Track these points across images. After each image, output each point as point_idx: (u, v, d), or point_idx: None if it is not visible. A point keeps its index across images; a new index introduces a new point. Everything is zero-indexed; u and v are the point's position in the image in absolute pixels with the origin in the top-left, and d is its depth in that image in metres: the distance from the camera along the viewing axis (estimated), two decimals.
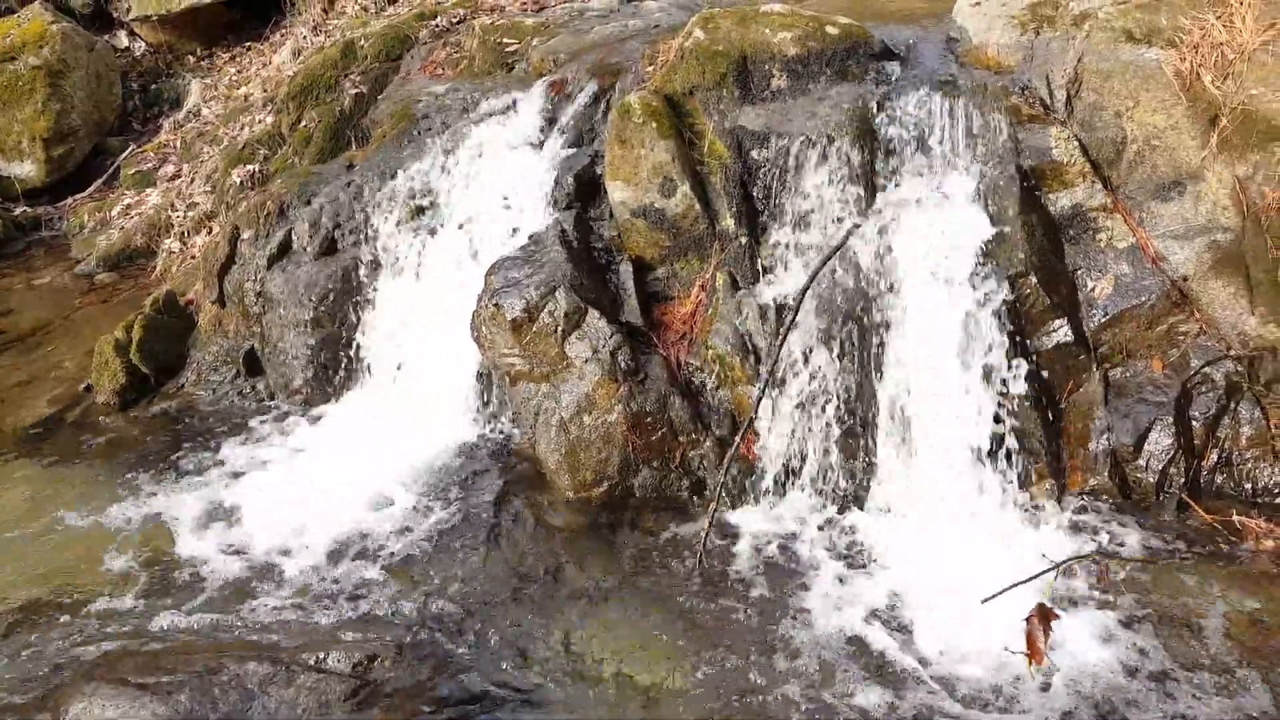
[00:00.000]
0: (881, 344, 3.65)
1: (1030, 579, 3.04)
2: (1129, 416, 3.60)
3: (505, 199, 4.28)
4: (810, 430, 3.66)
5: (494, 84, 4.88)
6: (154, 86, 7.80)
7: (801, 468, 3.69)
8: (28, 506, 3.94)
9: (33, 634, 3.26)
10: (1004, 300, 3.60)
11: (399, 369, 4.38)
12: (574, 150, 4.28)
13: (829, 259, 3.69)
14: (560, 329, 3.80)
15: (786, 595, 3.30)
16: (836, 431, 3.65)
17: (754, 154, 3.89)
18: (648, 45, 4.45)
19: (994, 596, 2.98)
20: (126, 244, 6.07)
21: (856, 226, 3.73)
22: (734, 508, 3.68)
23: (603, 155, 4.08)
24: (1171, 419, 3.56)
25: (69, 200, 6.86)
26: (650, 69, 4.25)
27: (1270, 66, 3.63)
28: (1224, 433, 3.59)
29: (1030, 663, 2.85)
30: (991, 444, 3.55)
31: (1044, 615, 2.87)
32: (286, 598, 3.38)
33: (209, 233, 5.60)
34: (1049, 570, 3.07)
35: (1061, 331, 3.67)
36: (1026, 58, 3.97)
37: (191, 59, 7.94)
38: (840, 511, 3.64)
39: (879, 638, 3.11)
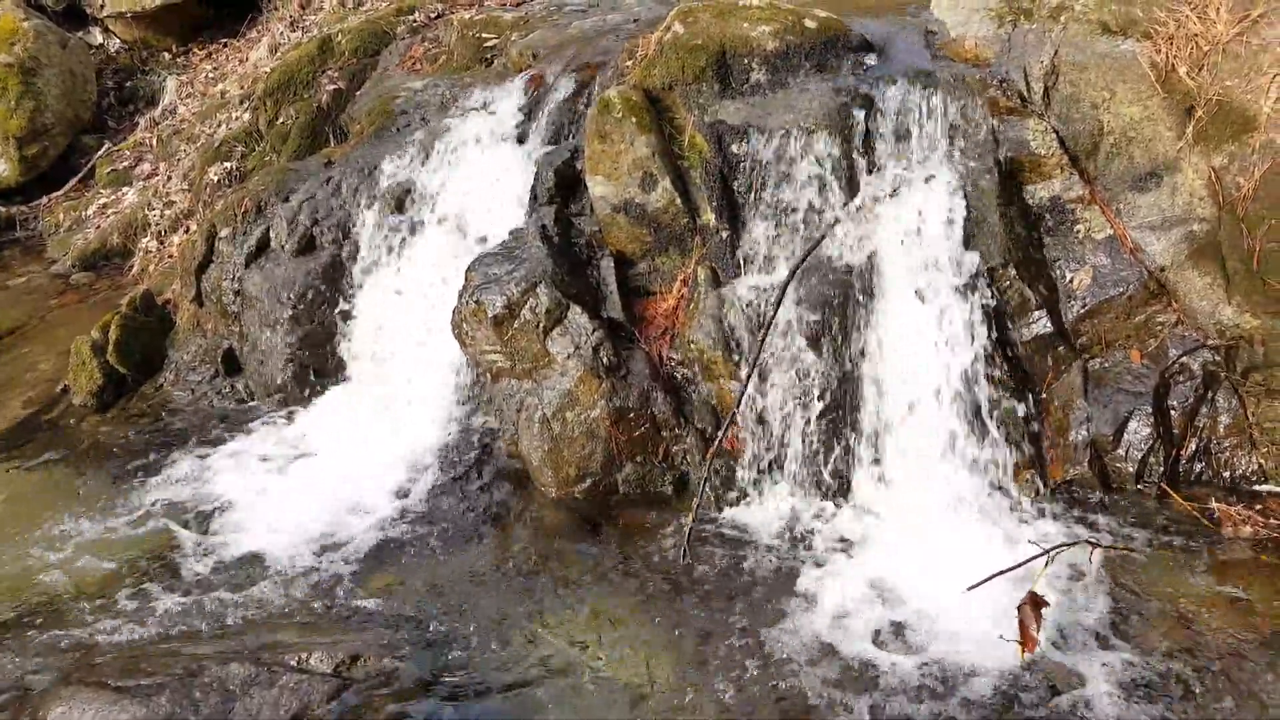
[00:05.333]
0: (863, 336, 3.66)
1: (1010, 569, 3.08)
2: (1108, 407, 3.63)
3: (485, 195, 4.26)
4: (793, 423, 3.67)
5: (473, 79, 4.86)
6: (129, 84, 7.72)
7: (785, 460, 3.69)
8: (3, 509, 3.89)
9: (11, 638, 3.22)
10: (983, 292, 3.62)
11: (379, 367, 4.35)
12: (554, 145, 4.27)
13: (810, 252, 3.69)
14: (542, 325, 3.78)
15: (771, 587, 3.30)
16: (819, 424, 3.65)
17: (734, 148, 3.89)
18: (627, 40, 4.44)
19: (978, 585, 3.02)
20: (103, 243, 6.01)
21: (837, 220, 3.74)
22: (718, 501, 3.68)
23: (583, 150, 4.07)
24: (1150, 409, 3.59)
25: (44, 200, 6.77)
26: (629, 63, 4.24)
27: (1244, 58, 3.66)
28: (1202, 421, 3.62)
29: (1023, 650, 2.89)
30: (972, 435, 3.57)
31: (1035, 603, 2.91)
32: (267, 597, 3.35)
33: (186, 231, 5.54)
34: (1030, 560, 3.11)
35: (1041, 323, 3.69)
36: (1004, 50, 3.98)
37: (167, 56, 7.86)
38: (824, 503, 3.65)
39: (863, 628, 3.11)
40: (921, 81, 3.83)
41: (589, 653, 3.10)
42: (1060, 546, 3.20)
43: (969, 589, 3.02)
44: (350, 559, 3.52)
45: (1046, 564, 3.09)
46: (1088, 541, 3.30)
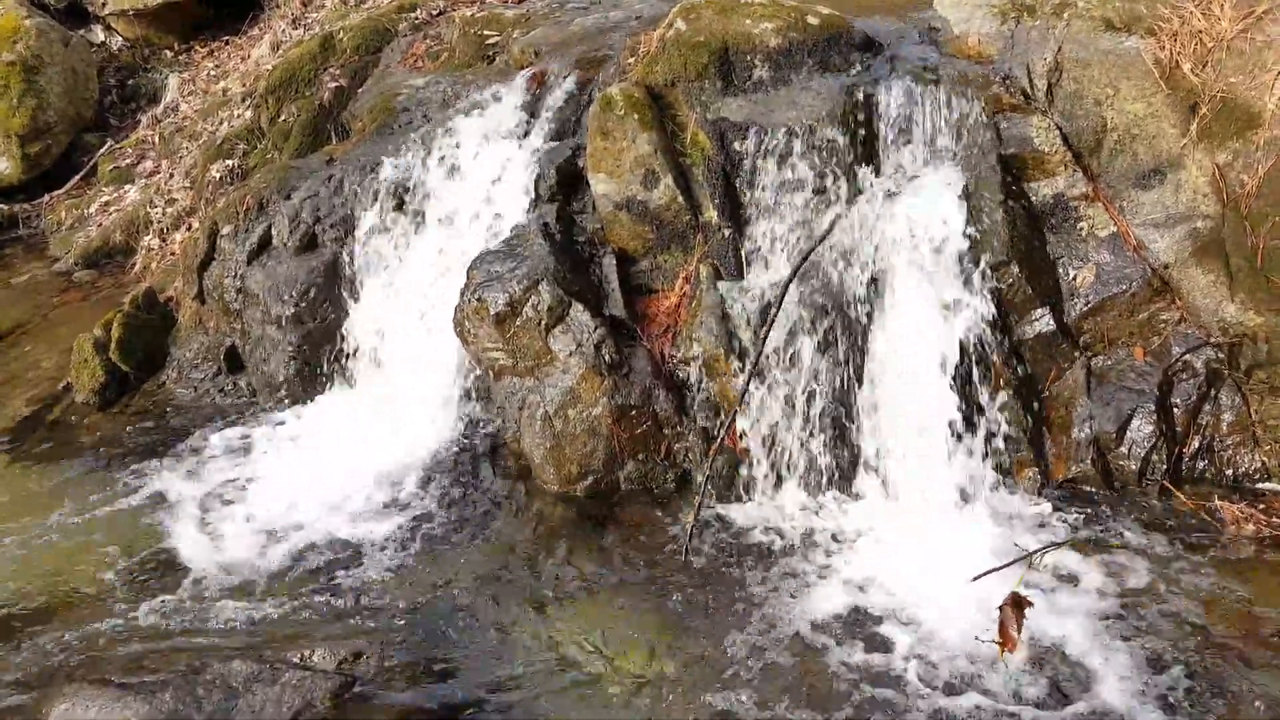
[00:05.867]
0: (865, 334, 3.66)
1: (1009, 564, 3.07)
2: (1111, 404, 3.62)
3: (487, 192, 4.26)
4: (794, 421, 3.66)
5: (475, 77, 4.86)
6: (131, 82, 7.71)
7: (786, 458, 3.69)
8: (7, 507, 3.90)
9: (15, 635, 3.23)
10: (986, 290, 3.62)
11: (381, 365, 4.36)
12: (556, 143, 4.26)
13: (812, 250, 3.69)
14: (543, 323, 3.78)
15: (772, 585, 3.30)
16: (821, 422, 3.65)
17: (736, 145, 3.88)
18: (629, 37, 4.44)
19: (979, 577, 3.01)
20: (105, 241, 6.01)
21: (839, 217, 3.73)
22: (720, 498, 3.68)
23: (585, 148, 4.06)
24: (1153, 406, 3.59)
25: (46, 198, 6.76)
26: (632, 60, 4.23)
27: (1248, 55, 3.65)
28: (1205, 419, 3.62)
29: (1003, 650, 2.88)
30: (974, 433, 3.56)
31: (1017, 603, 2.89)
32: (270, 595, 3.36)
33: (188, 229, 5.54)
34: (1026, 556, 3.10)
35: (1044, 320, 3.69)
36: (1007, 47, 3.98)
37: (169, 53, 7.86)
38: (825, 501, 3.65)
39: (863, 627, 3.12)
40: (924, 78, 3.82)
41: (591, 650, 3.10)
42: (1049, 546, 3.20)
43: (973, 579, 3.01)
44: (353, 556, 3.52)
45: (1029, 564, 3.08)
46: (1079, 539, 3.30)
